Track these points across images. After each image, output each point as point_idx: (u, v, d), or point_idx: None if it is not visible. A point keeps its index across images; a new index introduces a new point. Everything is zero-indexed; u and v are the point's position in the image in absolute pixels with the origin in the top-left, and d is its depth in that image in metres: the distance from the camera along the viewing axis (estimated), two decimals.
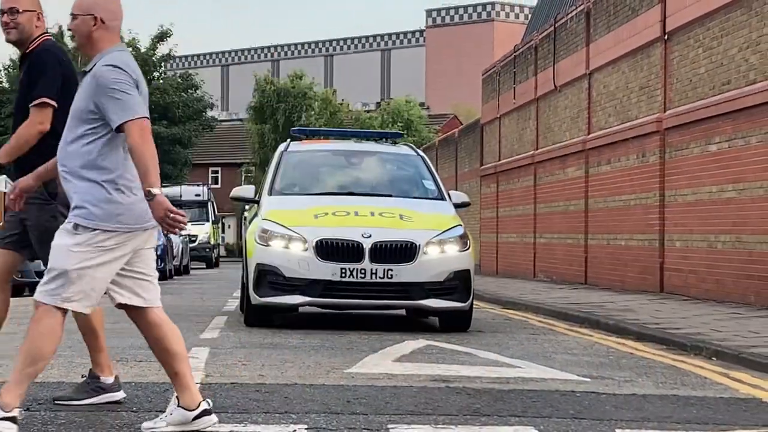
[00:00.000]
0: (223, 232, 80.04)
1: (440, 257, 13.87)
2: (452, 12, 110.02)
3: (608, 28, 32.07)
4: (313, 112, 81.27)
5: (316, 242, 13.78)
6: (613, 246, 30.55)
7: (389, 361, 12.17)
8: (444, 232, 13.99)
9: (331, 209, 14.53)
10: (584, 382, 11.00)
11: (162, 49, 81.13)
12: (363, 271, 13.28)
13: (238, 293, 26.87)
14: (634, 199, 29.35)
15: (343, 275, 13.57)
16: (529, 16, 63.75)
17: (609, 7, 32.11)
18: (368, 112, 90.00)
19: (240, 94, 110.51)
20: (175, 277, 40.67)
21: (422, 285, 13.67)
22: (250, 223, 15.97)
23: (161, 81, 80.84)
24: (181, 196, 62.58)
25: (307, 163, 16.61)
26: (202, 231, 59.31)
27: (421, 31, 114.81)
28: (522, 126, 42.78)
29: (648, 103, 28.48)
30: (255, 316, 14.36)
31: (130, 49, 78.55)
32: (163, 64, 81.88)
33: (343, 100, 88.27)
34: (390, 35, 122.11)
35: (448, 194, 16.14)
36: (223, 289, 29.22)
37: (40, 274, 24.43)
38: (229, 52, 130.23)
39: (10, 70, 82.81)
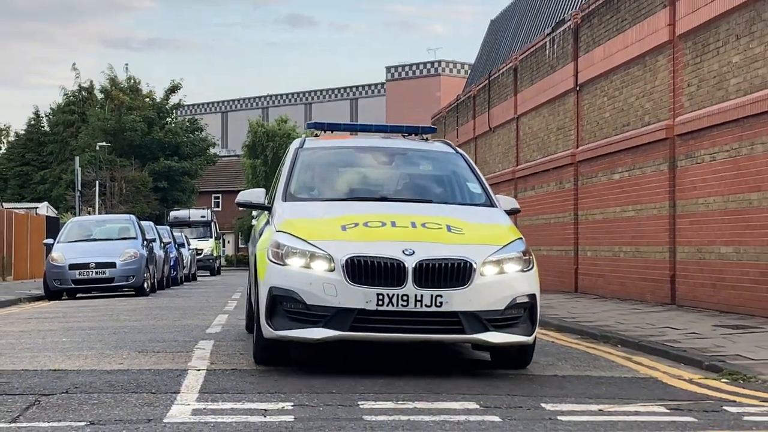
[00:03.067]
0: (224, 246, 79.70)
1: (501, 279, 9.05)
2: (407, 68, 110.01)
3: (531, 81, 32.21)
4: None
5: (346, 261, 8.90)
6: (537, 255, 30.50)
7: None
8: (503, 247, 9.30)
9: (362, 218, 9.69)
10: None
11: (173, 99, 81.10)
12: (405, 298, 8.62)
13: (236, 296, 26.85)
14: (554, 217, 29.57)
15: (380, 303, 8.66)
16: (469, 71, 63.62)
17: (532, 64, 32.25)
18: None
19: (236, 135, 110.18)
20: (185, 283, 40.44)
21: (478, 315, 8.85)
22: (260, 234, 10.98)
23: (173, 125, 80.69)
24: (189, 217, 63.12)
25: (327, 162, 11.67)
26: (207, 246, 59.36)
27: (382, 84, 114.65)
28: (474, 153, 42.78)
29: (564, 141, 28.63)
30: (267, 353, 9.77)
31: (148, 99, 79.11)
32: (174, 111, 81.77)
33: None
34: (357, 87, 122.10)
35: (497, 199, 11.25)
36: (224, 293, 29.05)
37: (77, 281, 24.28)
38: (228, 101, 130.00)
39: (51, 117, 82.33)
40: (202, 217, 65.31)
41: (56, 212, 58.17)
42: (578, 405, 8.53)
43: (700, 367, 11.44)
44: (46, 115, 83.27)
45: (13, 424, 7.75)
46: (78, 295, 27.90)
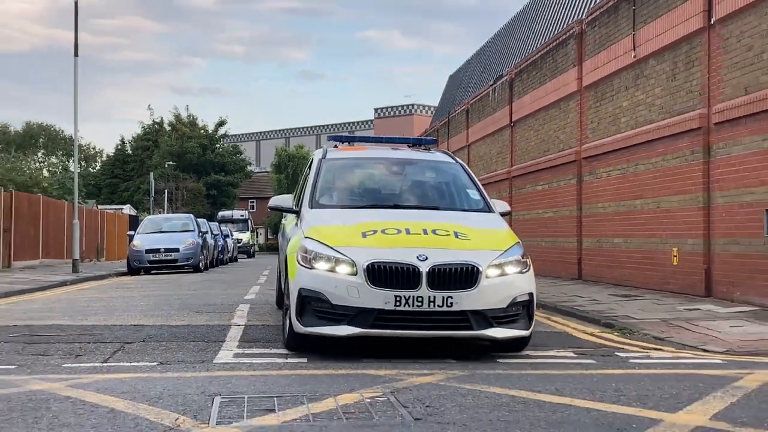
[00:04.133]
0: (257, 236, 79.65)
1: (503, 281, 8.08)
2: (389, 109, 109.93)
3: (479, 119, 32.23)
4: (305, 168, 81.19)
5: (367, 266, 7.79)
6: None
7: None
8: (504, 252, 8.30)
9: (380, 225, 8.58)
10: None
11: (221, 131, 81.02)
12: (420, 299, 7.68)
13: (266, 272, 26.86)
14: None
15: (398, 304, 7.70)
16: (434, 112, 63.59)
17: (479, 107, 32.28)
18: None
19: (266, 157, 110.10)
20: (229, 264, 40.43)
21: (484, 313, 7.92)
22: (289, 235, 9.64)
23: (220, 149, 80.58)
24: (232, 216, 63.26)
25: (347, 172, 10.31)
26: (245, 236, 59.33)
27: (371, 121, 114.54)
28: None
29: (502, 162, 28.65)
30: (296, 342, 8.38)
31: (202, 130, 79.43)
32: (221, 139, 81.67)
33: None
34: (353, 122, 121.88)
35: (493, 203, 9.99)
36: (257, 271, 29.04)
37: (151, 262, 24.20)
38: (260, 132, 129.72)
39: (132, 143, 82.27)
40: (241, 216, 65.59)
41: (136, 212, 58.07)
42: (511, 351, 8.53)
43: (598, 324, 11.49)
44: (129, 142, 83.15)
45: (105, 364, 7.82)
46: (152, 272, 28.01)
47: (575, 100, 21.47)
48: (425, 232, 8.36)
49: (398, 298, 7.63)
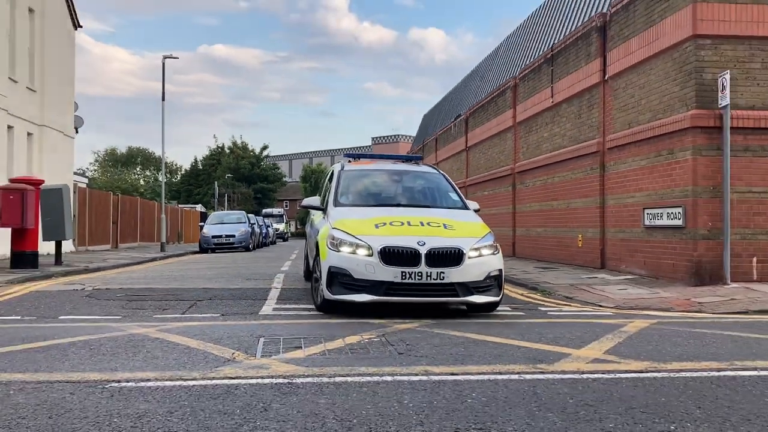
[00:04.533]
0: (290, 226, 79.42)
1: (480, 260, 7.82)
2: (382, 138, 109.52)
3: (444, 145, 32.16)
4: (324, 180, 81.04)
5: (381, 249, 7.55)
6: None
7: None
8: (481, 238, 8.08)
9: (388, 219, 8.33)
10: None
11: (264, 153, 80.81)
12: (420, 274, 7.50)
13: (295, 252, 26.82)
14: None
15: (404, 277, 7.50)
16: (413, 140, 63.52)
17: (445, 137, 32.20)
18: None
19: (296, 171, 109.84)
20: (270, 246, 40.31)
21: (467, 284, 7.69)
22: (318, 226, 9.02)
23: (264, 166, 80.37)
24: (272, 212, 63.10)
25: (360, 180, 9.90)
26: (281, 226, 59.18)
27: (370, 146, 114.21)
28: None
29: (460, 176, 28.52)
30: (327, 306, 7.92)
31: (251, 152, 79.39)
32: (264, 158, 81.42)
33: None
34: (356, 147, 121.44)
35: (468, 203, 9.82)
36: (289, 251, 28.96)
37: (215, 244, 23.98)
38: (292, 154, 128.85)
39: (202, 161, 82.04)
40: (278, 212, 65.60)
41: (205, 209, 57.87)
42: (485, 311, 8.48)
43: (527, 288, 11.49)
44: (200, 160, 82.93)
45: (183, 315, 7.79)
46: (216, 251, 27.90)
47: (511, 132, 21.45)
48: (422, 224, 8.09)
49: (404, 273, 7.38)
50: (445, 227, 8.14)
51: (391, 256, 7.44)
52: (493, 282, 7.83)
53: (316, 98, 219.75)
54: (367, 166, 10.31)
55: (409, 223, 8.09)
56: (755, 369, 4.82)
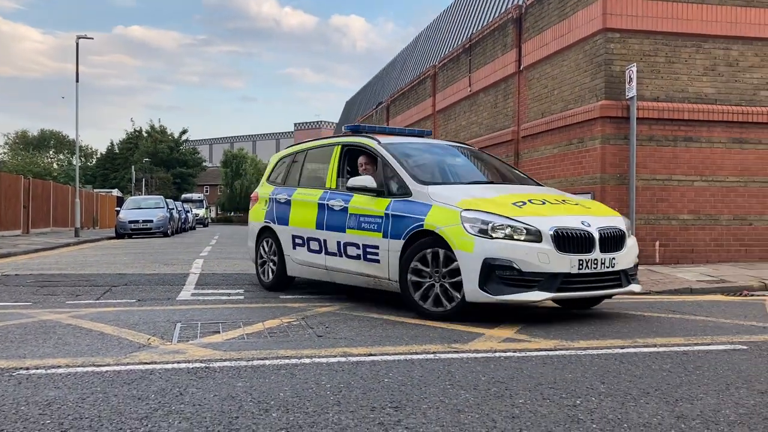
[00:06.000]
0: (210, 212, 77.80)
1: (633, 243, 6.43)
2: (305, 124, 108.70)
3: None
4: (245, 165, 79.72)
5: (553, 233, 5.84)
6: None
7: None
8: (622, 218, 6.59)
9: (517, 197, 6.42)
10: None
11: (183, 137, 78.99)
12: (595, 262, 5.93)
13: (215, 238, 26.34)
14: None
15: (581, 267, 5.85)
16: (335, 126, 63.29)
17: (365, 123, 32.23)
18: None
19: (217, 156, 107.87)
20: (189, 231, 39.49)
21: (627, 271, 6.24)
22: (404, 211, 6.45)
23: (183, 150, 78.53)
24: (192, 198, 61.65)
25: (419, 154, 7.40)
26: (201, 212, 58.01)
27: (292, 132, 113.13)
28: None
29: None
30: (464, 311, 5.98)
31: (170, 136, 77.18)
32: (184, 143, 79.53)
33: (260, 160, 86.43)
34: (279, 133, 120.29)
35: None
36: (209, 237, 28.51)
37: (132, 230, 23.39)
38: (212, 138, 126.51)
39: (119, 145, 79.35)
40: (198, 197, 64.08)
41: (122, 194, 56.07)
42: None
43: None
44: (117, 144, 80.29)
45: (97, 301, 7.55)
46: (133, 237, 27.13)
47: (431, 119, 21.65)
48: (558, 202, 6.55)
49: (581, 262, 5.92)
50: (581, 206, 6.62)
51: (565, 241, 5.94)
52: (637, 269, 6.59)
53: (237, 82, 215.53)
54: (403, 139, 7.88)
55: (544, 202, 6.49)
56: (655, 345, 5.06)
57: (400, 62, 34.41)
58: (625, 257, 6.28)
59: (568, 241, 5.93)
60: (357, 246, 6.96)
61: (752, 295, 8.49)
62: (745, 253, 12.12)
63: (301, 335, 5.35)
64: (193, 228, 43.85)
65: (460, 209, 6.08)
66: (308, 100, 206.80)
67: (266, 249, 8.58)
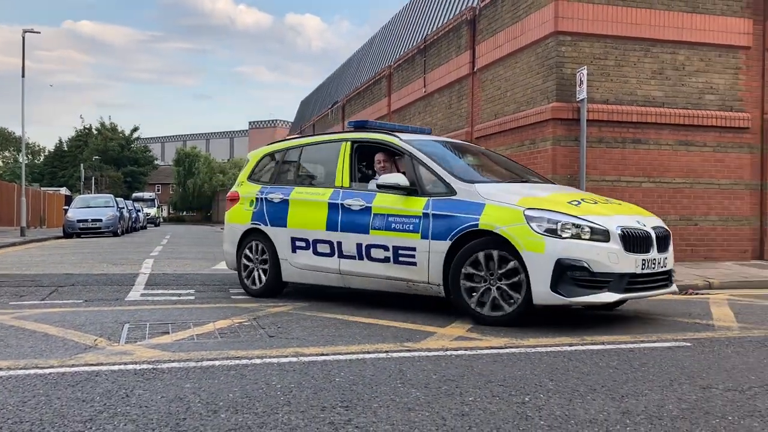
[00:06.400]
0: (162, 211, 76.49)
1: (671, 244, 6.40)
2: (260, 123, 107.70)
3: (322, 132, 32.06)
4: (198, 164, 78.69)
5: (621, 233, 5.73)
6: None
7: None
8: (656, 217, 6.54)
9: (571, 196, 6.31)
10: None
11: (135, 135, 77.58)
12: (654, 262, 5.87)
13: (167, 238, 25.92)
14: None
15: (644, 267, 5.78)
16: (290, 126, 62.94)
17: (322, 123, 32.14)
18: (226, 162, 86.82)
19: (169, 154, 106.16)
20: (140, 231, 38.76)
21: (670, 272, 6.22)
22: (441, 210, 6.16)
23: (135, 148, 77.09)
24: (143, 197, 60.53)
25: (442, 152, 6.90)
26: (152, 211, 56.98)
27: (246, 131, 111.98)
28: None
29: None
30: (520, 315, 5.74)
31: (121, 134, 75.65)
32: (135, 141, 78.05)
33: (213, 159, 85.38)
34: (233, 131, 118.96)
35: None
36: (161, 237, 28.04)
37: (81, 229, 22.80)
38: (164, 136, 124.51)
39: (68, 142, 77.44)
40: (149, 196, 63.03)
41: (70, 193, 54.74)
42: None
43: None
44: (65, 141, 78.39)
45: (43, 301, 7.34)
46: (81, 236, 26.51)
47: (386, 119, 21.66)
48: (605, 201, 6.45)
49: (644, 262, 5.84)
50: (622, 206, 6.52)
51: (630, 240, 5.82)
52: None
53: (191, 80, 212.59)
54: (420, 137, 7.36)
55: (595, 201, 6.34)
56: (602, 343, 5.15)
57: (355, 62, 34.42)
58: (671, 257, 6.26)
59: (633, 240, 5.84)
60: (385, 248, 6.51)
61: (697, 294, 8.74)
62: (691, 252, 12.45)
63: (252, 336, 5.30)
64: (144, 227, 43.08)
65: (523, 208, 5.82)
66: (263, 99, 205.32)
67: (253, 253, 7.85)
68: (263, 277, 7.74)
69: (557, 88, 11.81)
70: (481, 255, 5.88)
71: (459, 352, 4.71)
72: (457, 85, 16.15)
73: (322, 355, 4.57)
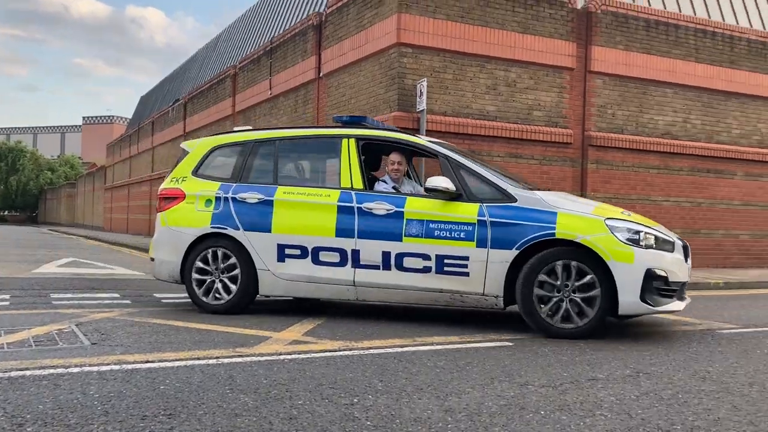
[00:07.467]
0: None
1: None
2: (95, 119, 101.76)
3: (161, 129, 30.81)
4: (24, 159, 72.96)
5: (681, 243, 5.99)
6: None
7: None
8: None
9: (613, 207, 6.41)
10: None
11: None
12: (689, 271, 6.07)
13: None
14: None
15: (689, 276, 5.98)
16: (128, 122, 60.08)
17: (162, 121, 30.88)
18: (55, 159, 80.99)
19: None
20: None
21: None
22: (496, 216, 5.82)
23: None
24: None
25: (467, 156, 6.62)
26: None
27: (80, 126, 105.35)
28: (129, 167, 40.25)
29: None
30: (598, 327, 5.71)
31: None
32: None
33: (41, 155, 79.47)
34: (66, 126, 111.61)
35: None
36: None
37: None
38: None
39: None
40: None
41: None
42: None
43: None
44: None
45: None
46: None
47: (230, 120, 21.25)
48: (630, 213, 6.42)
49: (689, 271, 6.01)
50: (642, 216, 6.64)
51: (685, 250, 6.02)
52: None
53: (18, 69, 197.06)
54: (425, 138, 6.88)
55: (629, 213, 6.29)
56: (432, 344, 5.33)
57: (200, 59, 33.48)
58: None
59: (684, 250, 6.00)
60: (425, 257, 5.97)
61: None
62: None
63: (72, 343, 4.96)
64: None
65: (602, 217, 5.74)
66: (100, 94, 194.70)
67: (212, 262, 6.67)
68: (231, 289, 6.59)
69: (399, 98, 12.13)
70: (558, 265, 5.69)
71: (292, 356, 4.68)
72: (303, 90, 16.15)
73: (148, 362, 4.36)
